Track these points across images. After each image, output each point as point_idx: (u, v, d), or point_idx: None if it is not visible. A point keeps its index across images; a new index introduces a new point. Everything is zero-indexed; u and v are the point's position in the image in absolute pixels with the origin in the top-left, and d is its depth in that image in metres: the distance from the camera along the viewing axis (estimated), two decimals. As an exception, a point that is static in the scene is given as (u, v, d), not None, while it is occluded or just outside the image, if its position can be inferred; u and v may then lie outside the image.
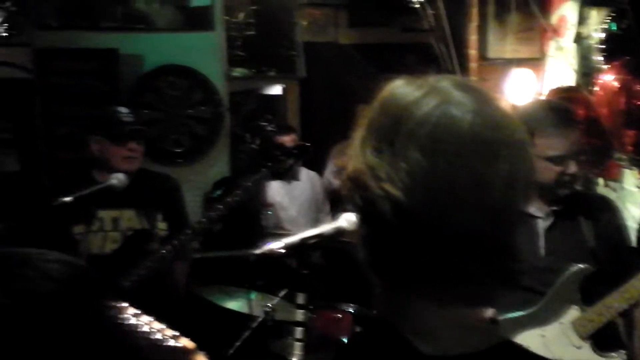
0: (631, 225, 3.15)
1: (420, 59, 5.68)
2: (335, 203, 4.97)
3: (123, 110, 3.38)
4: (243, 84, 5.40)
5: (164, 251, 3.11)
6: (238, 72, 5.23)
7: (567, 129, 2.50)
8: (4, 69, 5.04)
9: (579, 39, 4.27)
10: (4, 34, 4.71)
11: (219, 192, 4.66)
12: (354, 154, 0.97)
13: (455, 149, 0.91)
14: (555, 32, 4.62)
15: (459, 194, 0.90)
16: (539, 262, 2.49)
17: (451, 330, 0.96)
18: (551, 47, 4.73)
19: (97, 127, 3.28)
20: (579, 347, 2.44)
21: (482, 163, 0.91)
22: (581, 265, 2.46)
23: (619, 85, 3.69)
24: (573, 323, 2.46)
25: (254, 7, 5.25)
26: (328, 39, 6.26)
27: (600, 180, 3.93)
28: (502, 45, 4.95)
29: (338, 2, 6.26)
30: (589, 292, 2.45)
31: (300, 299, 2.25)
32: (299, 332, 2.27)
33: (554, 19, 4.67)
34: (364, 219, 0.98)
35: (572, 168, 2.48)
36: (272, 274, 3.22)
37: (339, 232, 2.13)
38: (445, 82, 0.98)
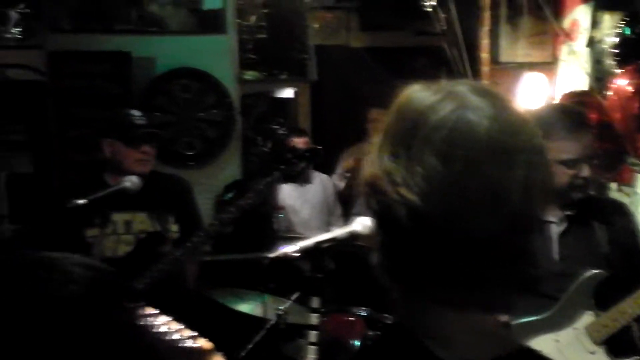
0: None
1: (432, 63, 5.67)
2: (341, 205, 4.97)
3: (136, 113, 3.38)
4: (254, 86, 5.41)
5: (177, 253, 3.12)
6: (250, 75, 5.24)
7: (580, 133, 2.50)
8: (18, 71, 5.08)
9: (591, 43, 4.26)
10: (18, 37, 4.74)
11: (230, 195, 4.68)
12: (372, 160, 0.97)
13: (471, 153, 0.90)
14: (568, 36, 4.60)
15: (475, 199, 0.90)
16: (553, 267, 2.48)
17: (468, 336, 0.96)
18: (563, 51, 4.71)
19: (111, 130, 3.27)
20: (593, 353, 2.43)
21: (498, 168, 0.91)
22: (595, 271, 2.45)
23: (632, 90, 3.68)
24: (587, 328, 2.45)
25: (265, 11, 5.26)
26: (339, 42, 6.26)
27: (613, 185, 3.92)
28: (514, 49, 4.95)
29: (350, 5, 6.25)
30: (603, 298, 2.44)
31: (314, 302, 2.24)
32: (312, 335, 2.26)
33: (567, 22, 4.66)
34: (380, 224, 0.97)
35: (585, 172, 2.47)
36: (284, 277, 3.22)
37: (354, 236, 2.13)
38: (462, 87, 0.98)
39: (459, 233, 0.90)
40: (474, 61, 4.88)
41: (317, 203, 4.85)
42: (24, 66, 5.42)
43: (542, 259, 2.46)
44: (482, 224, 0.90)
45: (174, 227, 3.35)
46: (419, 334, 0.96)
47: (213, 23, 5.06)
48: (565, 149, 2.42)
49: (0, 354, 0.82)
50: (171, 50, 5.00)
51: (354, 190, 4.99)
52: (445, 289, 0.94)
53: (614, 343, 2.44)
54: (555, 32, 4.72)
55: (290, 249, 2.08)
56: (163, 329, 0.97)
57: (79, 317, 0.86)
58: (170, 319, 1.02)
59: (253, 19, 5.23)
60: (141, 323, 0.91)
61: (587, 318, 2.46)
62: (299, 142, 4.61)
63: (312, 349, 2.30)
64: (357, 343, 3.19)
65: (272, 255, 2.14)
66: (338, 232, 2.19)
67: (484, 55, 4.88)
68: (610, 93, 3.88)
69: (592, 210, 2.57)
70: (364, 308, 3.32)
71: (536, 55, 4.93)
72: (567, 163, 2.43)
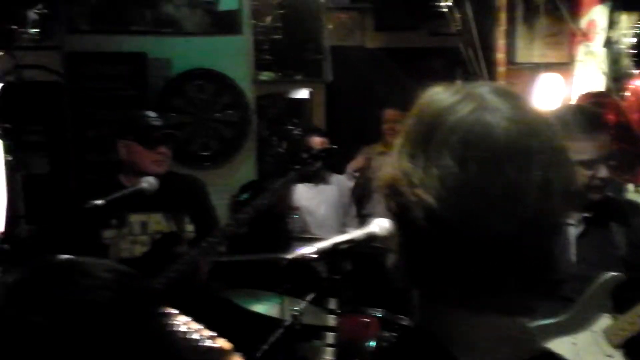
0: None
1: (447, 63, 5.65)
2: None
3: (152, 114, 3.39)
4: (270, 87, 5.42)
5: (192, 253, 3.12)
6: (265, 75, 5.25)
7: (598, 134, 2.48)
8: (35, 72, 5.11)
9: (609, 43, 4.24)
10: (36, 38, 4.77)
11: (245, 196, 4.69)
12: (391, 161, 0.97)
13: (488, 155, 0.90)
14: (585, 36, 4.58)
15: (491, 201, 0.89)
16: (571, 269, 2.47)
17: (489, 340, 0.95)
18: (580, 51, 4.69)
19: (128, 131, 3.27)
20: (610, 356, 2.42)
21: (515, 169, 0.90)
22: (613, 273, 2.43)
23: (650, 91, 3.66)
24: (605, 331, 2.44)
25: (281, 11, 5.27)
26: (354, 43, 6.26)
27: (631, 186, 3.89)
28: (530, 50, 4.93)
29: (365, 5, 6.25)
30: (620, 300, 2.43)
31: (331, 303, 2.24)
32: (328, 336, 2.26)
33: (584, 23, 4.63)
34: (399, 226, 0.97)
35: (603, 173, 2.45)
36: (300, 278, 3.22)
37: (371, 238, 2.13)
38: (482, 88, 0.98)
39: (476, 235, 0.90)
40: (490, 62, 4.86)
41: (332, 204, 4.84)
42: (41, 67, 5.46)
43: (561, 261, 2.44)
44: (499, 225, 0.89)
45: (190, 227, 3.35)
46: (440, 338, 0.96)
47: (228, 24, 5.07)
48: (583, 150, 2.41)
49: (41, 354, 0.82)
50: (187, 51, 5.02)
51: (363, 189, 4.99)
52: (464, 291, 0.94)
53: (632, 346, 2.42)
54: (572, 33, 4.70)
55: (307, 250, 2.08)
56: (183, 328, 0.97)
57: (112, 322, 0.86)
58: (190, 319, 1.03)
59: (268, 19, 5.24)
60: (167, 325, 0.92)
61: (604, 321, 2.45)
62: (318, 141, 4.60)
63: (327, 350, 2.30)
64: (372, 344, 3.19)
65: (289, 256, 2.14)
66: (355, 233, 2.18)
67: (500, 55, 4.86)
68: (627, 93, 3.86)
69: (609, 211, 2.55)
70: (379, 309, 3.32)
71: (553, 56, 4.90)
72: (584, 164, 2.41)
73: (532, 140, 0.92)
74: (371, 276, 4.18)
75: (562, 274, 2.39)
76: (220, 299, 3.47)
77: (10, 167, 5.00)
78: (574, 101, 4.32)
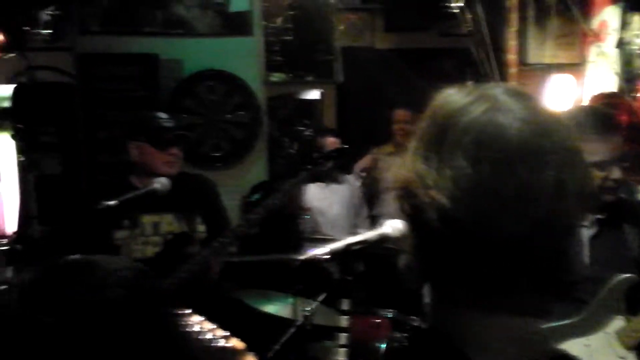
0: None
1: (458, 64, 5.65)
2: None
3: (163, 115, 3.40)
4: (280, 88, 5.43)
5: (204, 254, 3.13)
6: (276, 77, 5.26)
7: (610, 135, 2.47)
8: (47, 73, 5.14)
9: (621, 44, 4.22)
10: (48, 39, 4.80)
11: (256, 196, 4.70)
12: (405, 163, 0.97)
13: (501, 155, 0.90)
14: (597, 37, 4.57)
15: (504, 202, 0.89)
16: (584, 271, 2.46)
17: (503, 342, 0.95)
18: (592, 52, 4.67)
19: (139, 132, 3.27)
20: (623, 358, 2.41)
21: (528, 170, 0.90)
22: (626, 275, 2.42)
23: (662, 91, 3.64)
24: (618, 333, 2.43)
25: (291, 13, 5.28)
26: (365, 44, 6.26)
27: (643, 187, 3.87)
28: (542, 50, 4.92)
29: (375, 6, 6.25)
30: (634, 302, 2.42)
31: (343, 304, 2.25)
32: (340, 337, 2.26)
33: (595, 23, 4.62)
34: (413, 228, 0.97)
35: (616, 174, 2.45)
36: (312, 279, 3.22)
37: (384, 239, 2.13)
38: (495, 90, 0.98)
39: (489, 235, 0.89)
40: (501, 63, 4.85)
41: (344, 204, 4.84)
42: (53, 68, 5.48)
43: (575, 262, 2.43)
44: (513, 226, 0.89)
45: (201, 228, 3.36)
46: (454, 339, 0.96)
47: (239, 25, 5.09)
48: (595, 152, 2.40)
49: (55, 354, 0.83)
50: (198, 53, 5.04)
51: (370, 189, 4.99)
52: (478, 292, 0.93)
53: (645, 348, 2.42)
54: (584, 33, 4.68)
55: (320, 251, 2.08)
56: (196, 328, 0.98)
57: (127, 319, 0.87)
58: (203, 318, 1.03)
59: (279, 21, 5.25)
60: (180, 323, 0.92)
61: (617, 322, 2.44)
62: (331, 142, 4.60)
63: (339, 350, 2.30)
64: (382, 345, 3.19)
65: (302, 257, 2.14)
66: (368, 234, 2.18)
67: (511, 56, 4.85)
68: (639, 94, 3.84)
69: (622, 213, 2.54)
70: (390, 310, 3.31)
71: (564, 57, 4.89)
72: (597, 165, 2.40)
73: (545, 140, 0.92)
74: (383, 277, 4.18)
75: (576, 275, 2.38)
76: (232, 299, 3.48)
77: (22, 168, 5.04)
78: (585, 102, 4.31)
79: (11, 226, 5.39)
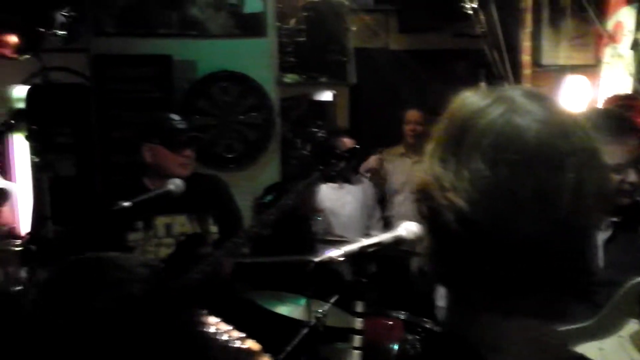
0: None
1: (472, 65, 5.63)
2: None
3: (176, 117, 3.40)
4: (294, 89, 5.43)
5: (217, 255, 3.14)
6: (289, 78, 5.26)
7: (626, 137, 2.46)
8: (62, 75, 5.16)
9: (636, 45, 4.20)
10: (63, 39, 4.82)
11: (269, 198, 4.69)
12: (424, 166, 0.97)
13: (519, 158, 0.90)
14: (612, 38, 4.54)
15: (523, 204, 0.89)
16: (598, 274, 2.44)
17: (521, 344, 0.95)
18: (607, 53, 4.65)
19: (153, 135, 3.27)
20: (638, 361, 2.39)
21: (547, 172, 0.90)
22: (641, 278, 2.41)
23: (679, 93, 3.62)
24: (632, 337, 2.41)
25: (305, 14, 5.29)
26: (378, 45, 6.26)
27: (659, 190, 3.84)
28: (556, 52, 4.90)
29: (389, 7, 6.25)
30: (648, 306, 2.40)
31: (357, 306, 2.25)
32: (353, 339, 2.26)
33: (610, 24, 4.59)
34: (430, 230, 0.97)
35: (632, 177, 2.43)
36: (325, 281, 3.22)
37: (398, 241, 2.12)
38: (513, 92, 0.98)
39: (507, 238, 0.89)
40: (515, 64, 4.84)
41: (356, 206, 4.84)
42: (68, 69, 5.51)
43: (593, 264, 2.42)
44: (531, 228, 0.89)
45: (214, 228, 3.36)
46: (471, 342, 0.96)
47: (253, 26, 5.10)
48: (611, 154, 2.38)
49: (74, 353, 0.83)
50: (212, 54, 5.05)
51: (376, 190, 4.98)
52: (496, 295, 0.93)
53: (660, 352, 2.40)
54: (599, 34, 4.66)
55: (335, 253, 2.08)
56: (213, 329, 0.98)
57: (146, 314, 0.87)
58: (219, 320, 1.03)
59: (293, 22, 5.26)
60: (196, 323, 0.92)
61: (632, 326, 2.42)
62: (347, 142, 4.59)
63: (353, 353, 2.30)
64: (395, 346, 3.19)
65: (317, 259, 2.14)
66: (383, 236, 2.18)
67: (526, 57, 4.83)
68: (655, 96, 3.82)
69: (638, 216, 2.53)
70: (402, 312, 3.31)
71: (579, 58, 4.87)
72: (612, 168, 2.39)
73: (564, 142, 0.92)
74: (395, 279, 4.17)
75: (594, 276, 2.37)
76: (244, 301, 3.48)
77: (37, 169, 5.07)
78: (600, 104, 4.28)
79: (25, 227, 5.43)
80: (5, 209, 4.78)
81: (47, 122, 4.95)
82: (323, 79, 5.39)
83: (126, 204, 2.86)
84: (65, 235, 4.41)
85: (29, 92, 5.20)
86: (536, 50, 4.84)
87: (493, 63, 4.80)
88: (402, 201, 5.06)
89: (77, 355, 0.83)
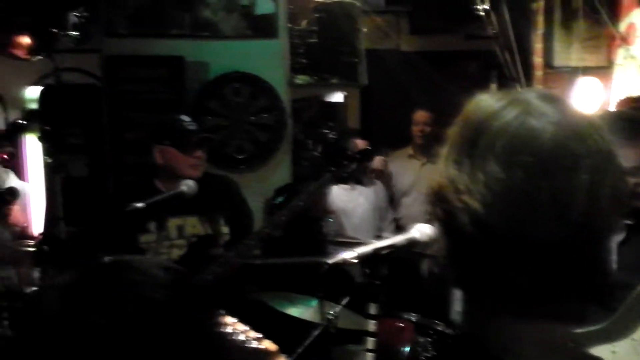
0: None
1: (483, 67, 5.63)
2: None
3: (187, 118, 3.40)
4: (305, 91, 5.43)
5: (229, 256, 3.14)
6: (301, 79, 5.26)
7: (638, 139, 2.44)
8: (74, 75, 5.18)
9: (650, 47, 4.18)
10: (76, 40, 4.84)
11: (280, 199, 4.69)
12: (439, 169, 0.97)
13: (534, 160, 0.90)
14: (624, 39, 4.52)
15: (538, 206, 0.89)
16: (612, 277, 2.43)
17: (538, 348, 0.95)
18: (620, 55, 4.63)
19: (164, 136, 3.28)
20: (651, 364, 2.38)
21: (562, 174, 0.90)
22: (654, 281, 2.40)
23: (692, 95, 3.60)
24: (645, 339, 2.40)
25: (317, 15, 5.28)
26: (390, 46, 6.26)
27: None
28: (568, 53, 4.88)
29: (400, 9, 6.24)
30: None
31: (371, 308, 2.25)
32: (367, 341, 2.26)
33: (623, 26, 4.57)
34: (445, 233, 0.97)
35: (646, 179, 2.42)
36: (336, 283, 3.22)
37: (412, 243, 2.12)
38: (527, 94, 0.98)
39: (523, 240, 0.89)
40: (527, 65, 4.82)
41: (368, 208, 4.83)
42: (80, 70, 5.53)
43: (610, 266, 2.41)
44: (546, 230, 0.89)
45: (225, 229, 3.36)
46: (488, 345, 0.96)
47: (265, 28, 5.10)
48: (624, 157, 2.37)
49: (100, 354, 0.83)
50: (224, 55, 5.06)
51: None
52: (512, 298, 0.93)
53: (673, 355, 2.39)
54: (611, 36, 4.64)
55: (348, 254, 2.09)
56: (229, 330, 0.98)
57: (167, 319, 0.87)
58: (236, 320, 1.04)
59: (304, 23, 5.26)
60: (216, 324, 0.92)
61: (645, 329, 2.41)
62: (360, 144, 4.59)
63: (363, 354, 2.30)
64: (406, 349, 3.18)
65: (330, 260, 2.14)
66: (397, 238, 2.18)
67: (537, 59, 4.82)
68: (668, 98, 3.80)
69: (651, 219, 2.51)
70: (413, 314, 3.30)
71: (591, 60, 4.85)
72: (627, 171, 2.38)
73: (579, 144, 0.92)
74: (405, 281, 4.16)
75: (611, 279, 2.35)
76: (255, 302, 3.48)
77: (49, 169, 5.10)
78: (613, 106, 4.26)
79: (38, 227, 5.45)
80: (16, 208, 4.80)
81: (60, 122, 4.97)
82: (334, 80, 5.38)
83: (139, 205, 2.87)
84: (78, 236, 4.43)
85: (42, 93, 5.23)
86: (548, 52, 4.83)
87: (505, 65, 4.80)
88: (411, 203, 5.05)
89: (101, 357, 0.83)
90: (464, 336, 1.01)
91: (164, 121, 3.51)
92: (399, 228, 4.88)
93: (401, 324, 3.28)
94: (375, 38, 6.02)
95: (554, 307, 0.93)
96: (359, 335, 2.61)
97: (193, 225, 3.32)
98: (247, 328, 1.01)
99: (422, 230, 2.12)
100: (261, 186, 5.00)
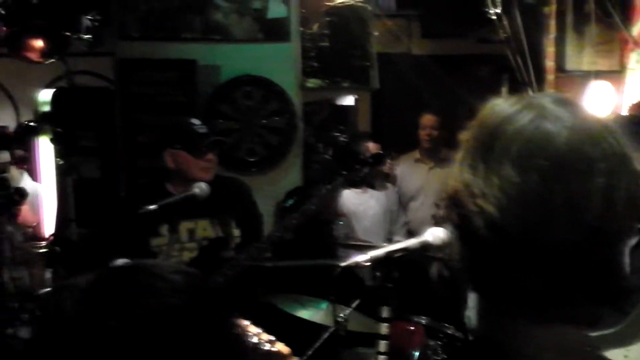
0: None
1: (495, 70, 5.62)
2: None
3: (197, 121, 3.40)
4: (316, 94, 5.43)
5: (240, 259, 3.14)
6: (312, 82, 5.27)
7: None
8: (87, 78, 5.21)
9: (662, 51, 4.16)
10: (89, 43, 4.87)
11: (291, 202, 4.71)
12: (454, 174, 0.97)
13: (549, 164, 0.90)
14: (637, 43, 4.51)
15: (553, 210, 0.89)
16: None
17: (555, 352, 0.95)
18: (632, 59, 4.62)
19: (175, 140, 3.28)
20: (663, 369, 2.37)
21: (577, 178, 0.90)
22: (667, 285, 2.38)
23: None
24: (658, 344, 2.39)
25: (328, 19, 5.29)
26: (401, 50, 6.26)
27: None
28: (580, 57, 4.87)
29: (412, 12, 6.25)
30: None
31: (383, 311, 2.25)
32: (379, 344, 2.27)
33: (636, 30, 4.56)
34: (460, 236, 0.98)
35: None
36: (345, 285, 3.22)
37: (425, 247, 2.13)
38: (542, 99, 0.98)
39: (538, 243, 0.89)
40: (539, 69, 4.81)
41: (379, 211, 4.83)
42: (93, 73, 5.56)
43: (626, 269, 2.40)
44: (562, 234, 0.89)
45: (236, 232, 3.37)
46: (504, 349, 0.96)
47: (277, 31, 5.11)
48: (637, 161, 2.37)
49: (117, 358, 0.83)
50: (235, 58, 5.06)
51: None
52: (528, 301, 0.93)
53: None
54: (624, 40, 4.63)
55: (361, 257, 2.09)
56: (242, 332, 0.98)
57: (185, 325, 0.87)
58: (249, 323, 1.04)
59: (316, 27, 5.26)
60: (233, 329, 0.92)
61: (658, 333, 2.40)
62: (373, 147, 4.59)
63: (378, 358, 2.30)
64: (416, 353, 3.18)
65: (343, 263, 2.15)
66: (410, 242, 2.19)
67: (549, 63, 4.80)
68: (681, 103, 3.78)
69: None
70: (424, 317, 3.30)
71: (603, 64, 4.84)
72: (638, 175, 2.37)
73: (594, 148, 0.92)
74: (416, 284, 4.16)
75: (628, 282, 2.34)
76: (265, 304, 3.49)
77: (61, 171, 5.13)
78: (625, 110, 4.25)
79: (50, 229, 5.49)
80: (24, 208, 4.83)
81: (72, 125, 4.99)
82: (346, 84, 5.38)
83: (152, 207, 2.88)
84: (89, 238, 4.45)
85: (55, 96, 5.26)
86: (560, 56, 4.82)
87: (516, 68, 4.79)
88: (418, 207, 5.05)
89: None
90: (479, 339, 1.01)
91: (174, 125, 3.51)
92: (407, 232, 4.89)
93: (412, 327, 3.28)
94: (387, 42, 6.03)
95: (568, 311, 0.93)
96: (369, 338, 2.61)
97: (204, 228, 3.32)
98: (260, 331, 1.01)
99: (435, 234, 2.12)
100: (272, 189, 5.00)
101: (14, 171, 5.22)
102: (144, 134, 4.83)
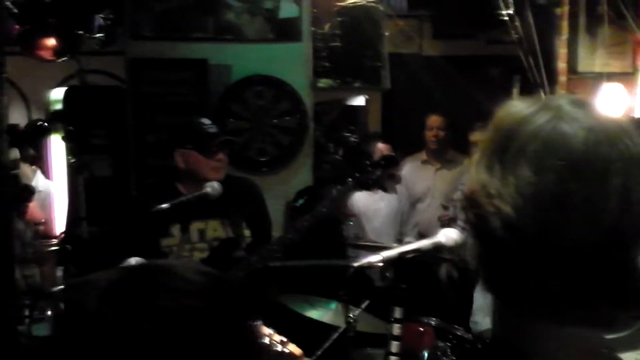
0: None
1: (506, 71, 5.60)
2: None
3: (208, 121, 3.41)
4: (327, 94, 5.43)
5: (251, 259, 3.15)
6: (323, 82, 5.27)
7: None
8: (99, 77, 5.23)
9: (675, 53, 4.14)
10: (101, 42, 4.89)
11: (301, 201, 4.71)
12: (471, 175, 0.98)
13: (565, 164, 0.90)
14: (650, 45, 4.49)
15: (570, 211, 0.89)
16: None
17: (572, 354, 0.94)
18: (645, 61, 4.59)
19: (185, 140, 3.28)
20: (676, 373, 2.36)
21: (594, 178, 0.90)
22: (680, 288, 2.37)
23: None
24: (670, 347, 2.38)
25: (340, 19, 5.29)
26: (412, 50, 6.25)
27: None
28: (592, 59, 4.84)
29: (423, 13, 6.24)
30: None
31: (396, 312, 2.25)
32: (390, 345, 2.26)
33: (649, 32, 4.54)
34: (477, 237, 0.97)
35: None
36: (355, 286, 3.22)
37: (438, 248, 2.12)
38: (559, 100, 0.98)
39: (555, 244, 0.89)
40: (551, 71, 4.79)
41: (390, 211, 4.82)
42: (105, 72, 5.59)
43: None
44: (578, 234, 0.89)
45: (247, 232, 3.37)
46: (521, 350, 0.96)
47: (288, 31, 5.11)
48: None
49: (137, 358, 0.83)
50: (247, 58, 5.07)
51: None
52: (546, 302, 0.93)
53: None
54: (637, 42, 4.60)
55: (374, 258, 2.09)
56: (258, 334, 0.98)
57: (204, 327, 0.86)
58: (260, 323, 1.03)
59: (327, 27, 5.26)
60: (251, 331, 0.92)
61: (670, 337, 2.39)
62: (383, 148, 4.58)
63: (390, 359, 2.30)
64: (425, 353, 3.17)
65: (356, 264, 2.15)
66: (423, 242, 2.18)
67: (562, 64, 4.78)
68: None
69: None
70: (433, 318, 3.29)
71: (615, 65, 4.81)
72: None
73: (611, 149, 0.91)
74: (426, 285, 4.15)
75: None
76: (276, 304, 3.49)
77: (72, 170, 5.15)
78: (637, 112, 4.23)
79: (61, 227, 5.51)
80: (32, 205, 4.85)
81: (84, 123, 5.02)
82: (357, 84, 5.38)
83: (163, 206, 2.88)
84: (100, 236, 4.46)
85: (66, 94, 5.28)
86: (572, 57, 4.79)
87: (528, 70, 4.77)
88: (425, 209, 5.03)
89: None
90: (495, 340, 1.01)
91: (184, 125, 3.52)
92: (418, 233, 4.88)
93: (422, 328, 3.27)
94: (398, 42, 6.02)
95: (585, 312, 0.93)
96: (379, 339, 2.60)
97: (214, 228, 3.32)
98: (272, 331, 1.01)
99: (448, 235, 2.12)
100: (283, 189, 5.01)
101: (27, 169, 5.25)
102: (154, 133, 4.84)
